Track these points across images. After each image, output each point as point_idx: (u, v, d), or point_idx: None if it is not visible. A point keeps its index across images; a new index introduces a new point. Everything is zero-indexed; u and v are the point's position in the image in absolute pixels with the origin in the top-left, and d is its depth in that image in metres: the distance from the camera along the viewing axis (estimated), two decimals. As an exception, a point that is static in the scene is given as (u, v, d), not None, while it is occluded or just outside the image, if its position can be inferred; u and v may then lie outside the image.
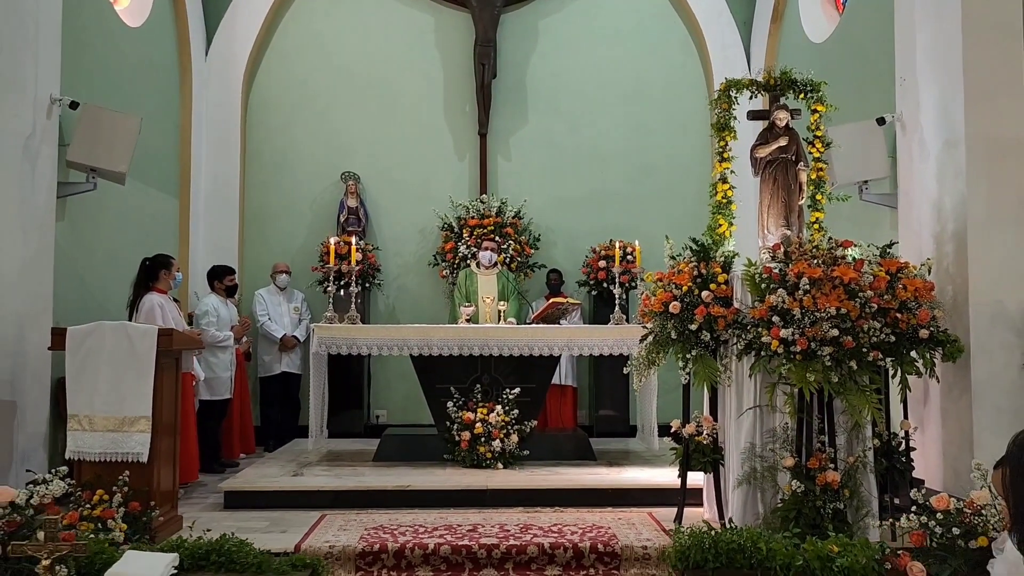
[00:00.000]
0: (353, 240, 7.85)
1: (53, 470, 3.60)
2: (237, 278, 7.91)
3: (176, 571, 3.07)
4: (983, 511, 3.36)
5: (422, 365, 6.93)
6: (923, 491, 4.48)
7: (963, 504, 3.46)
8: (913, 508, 3.51)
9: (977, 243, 5.01)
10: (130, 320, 5.87)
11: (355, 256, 7.41)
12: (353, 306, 7.11)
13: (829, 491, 4.52)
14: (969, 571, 3.20)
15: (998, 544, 2.86)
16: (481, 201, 9.09)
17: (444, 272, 9.00)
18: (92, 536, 3.27)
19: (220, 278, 7.62)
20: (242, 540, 3.48)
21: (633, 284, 8.13)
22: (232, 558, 3.26)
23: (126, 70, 7.31)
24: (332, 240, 7.42)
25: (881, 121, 6.09)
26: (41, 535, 2.79)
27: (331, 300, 7.11)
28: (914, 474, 4.98)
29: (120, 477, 4.53)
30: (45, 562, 2.71)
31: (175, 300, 6.66)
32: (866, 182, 6.26)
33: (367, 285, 8.77)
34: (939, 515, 3.41)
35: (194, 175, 8.69)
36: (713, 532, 3.40)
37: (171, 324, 5.86)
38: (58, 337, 4.79)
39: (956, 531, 3.32)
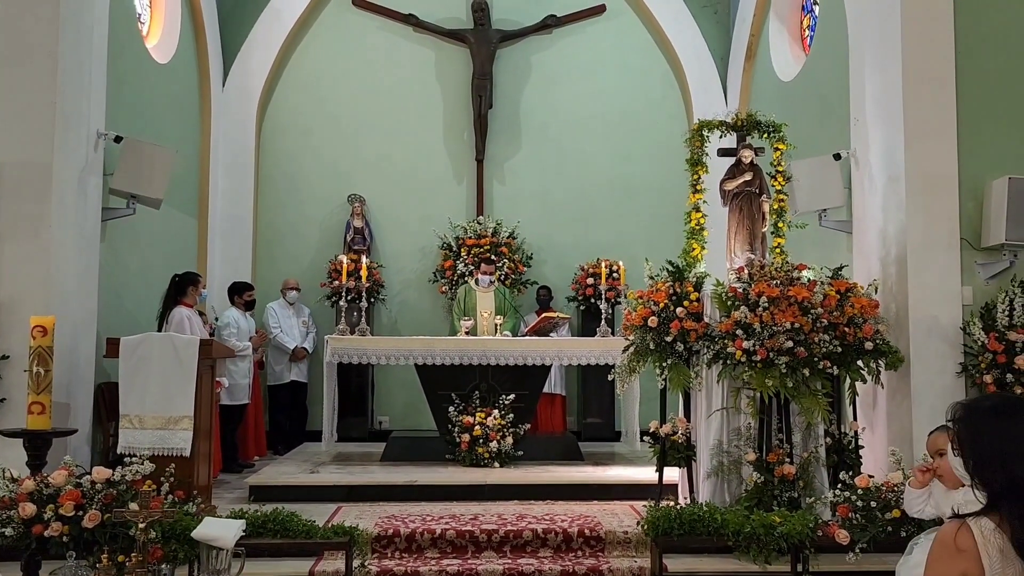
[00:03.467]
0: (362, 259, 8.49)
1: (138, 456, 4.24)
2: (255, 293, 8.57)
3: (244, 534, 3.72)
4: (895, 488, 4.07)
5: (425, 373, 7.58)
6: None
7: (881, 484, 4.16)
8: (839, 486, 4.21)
9: (915, 266, 5.72)
10: (159, 331, 6.51)
11: (365, 273, 8.05)
12: (363, 320, 7.76)
13: (785, 482, 5.21)
14: (885, 537, 3.90)
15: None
16: (478, 222, 9.78)
17: (443, 288, 9.67)
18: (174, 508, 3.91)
19: (240, 293, 8.27)
20: (292, 512, 4.13)
21: (618, 300, 8.83)
22: (286, 526, 3.91)
23: (156, 103, 7.99)
24: (343, 259, 8.09)
25: (837, 157, 6.82)
26: (134, 505, 3.44)
27: (342, 314, 7.77)
28: (863, 469, 5.67)
29: (167, 469, 5.13)
30: (141, 525, 3.35)
31: (200, 313, 7.32)
32: (825, 210, 6.97)
33: (372, 300, 9.42)
34: (860, 491, 4.11)
35: (212, 197, 9.34)
36: (678, 506, 4.08)
37: (197, 335, 6.52)
38: (112, 346, 5.45)
39: (874, 504, 4.02)
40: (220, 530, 3.36)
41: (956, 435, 2.10)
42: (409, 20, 10.08)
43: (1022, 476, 1.98)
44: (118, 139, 6.38)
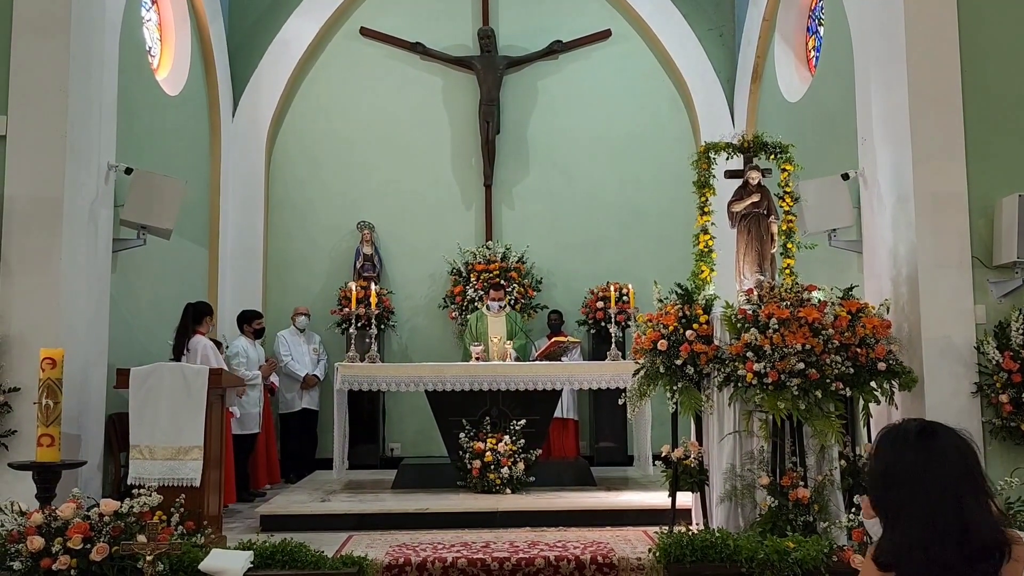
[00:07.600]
0: (372, 286, 8.50)
1: (146, 487, 4.24)
2: (264, 322, 8.59)
3: (252, 565, 3.70)
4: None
5: (436, 399, 7.56)
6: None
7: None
8: (853, 510, 4.15)
9: (927, 285, 5.66)
10: (177, 361, 6.53)
11: (374, 300, 8.06)
12: (374, 347, 7.75)
13: (800, 506, 5.13)
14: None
15: None
16: (487, 247, 9.80)
17: (453, 314, 9.68)
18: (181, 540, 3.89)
19: (249, 322, 8.30)
20: (300, 543, 4.11)
21: (628, 323, 8.80)
22: (294, 557, 3.89)
23: (166, 134, 8.08)
24: (352, 286, 8.10)
25: (845, 176, 6.80)
26: (142, 538, 3.43)
27: (352, 341, 7.77)
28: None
29: (176, 500, 5.12)
30: (149, 558, 3.34)
31: (216, 343, 7.34)
32: (834, 230, 6.94)
33: (382, 327, 9.43)
34: (875, 515, 4.05)
35: (222, 227, 9.40)
36: (690, 532, 4.03)
37: (221, 364, 6.55)
38: (122, 377, 5.46)
39: (889, 528, 3.96)
40: (227, 562, 3.35)
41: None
42: (416, 48, 10.18)
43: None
44: (128, 171, 6.44)
